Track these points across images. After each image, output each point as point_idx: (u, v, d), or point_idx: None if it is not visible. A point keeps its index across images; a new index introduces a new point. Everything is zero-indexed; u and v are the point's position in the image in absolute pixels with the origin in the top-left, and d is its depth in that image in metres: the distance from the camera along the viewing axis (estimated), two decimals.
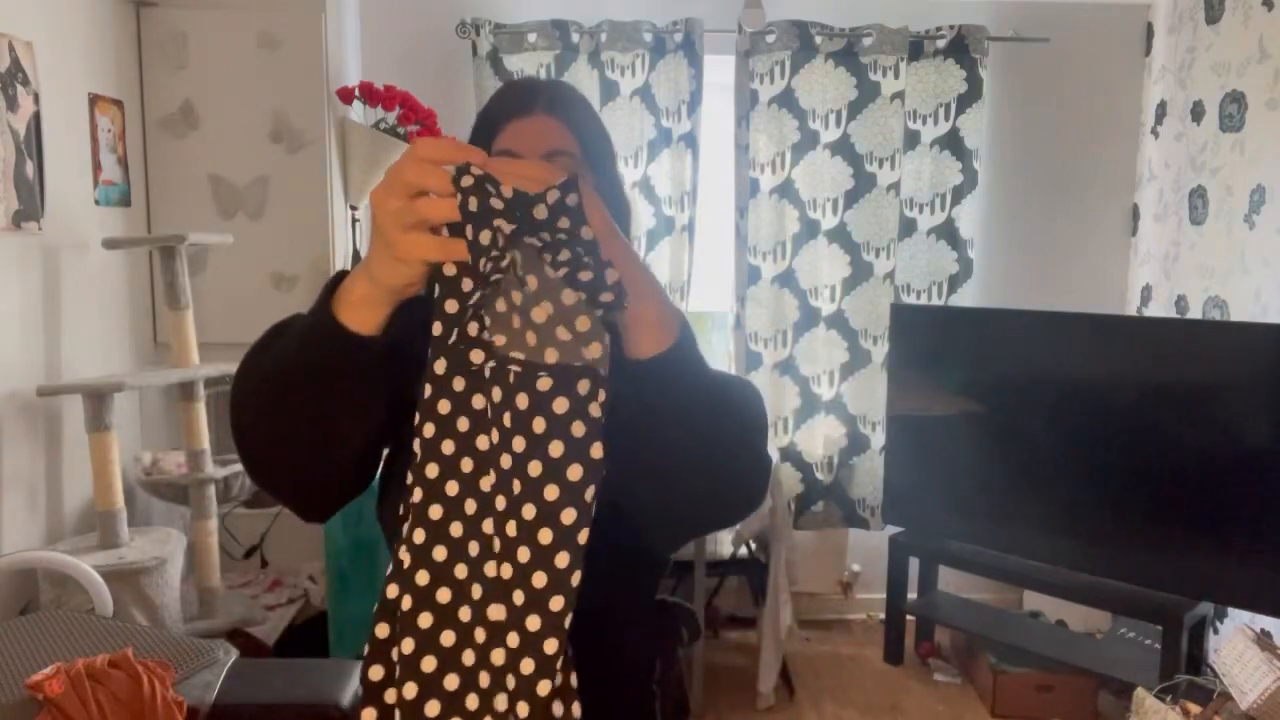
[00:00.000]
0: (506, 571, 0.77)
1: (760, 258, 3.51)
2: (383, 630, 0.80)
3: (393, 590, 0.80)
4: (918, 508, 3.34)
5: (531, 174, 0.77)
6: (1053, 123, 3.58)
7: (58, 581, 2.20)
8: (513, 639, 0.76)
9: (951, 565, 3.34)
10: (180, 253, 2.60)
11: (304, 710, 1.89)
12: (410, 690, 0.78)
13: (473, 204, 0.73)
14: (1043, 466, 3.00)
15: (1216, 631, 3.06)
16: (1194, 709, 2.36)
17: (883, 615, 3.49)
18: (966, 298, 3.53)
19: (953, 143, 3.45)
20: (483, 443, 0.79)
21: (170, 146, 2.97)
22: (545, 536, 0.76)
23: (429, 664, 0.79)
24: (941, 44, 3.41)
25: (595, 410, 0.76)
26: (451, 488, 0.80)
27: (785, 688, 3.13)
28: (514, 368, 0.77)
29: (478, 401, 0.79)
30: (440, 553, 0.80)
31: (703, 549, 2.95)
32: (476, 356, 0.79)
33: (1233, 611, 2.98)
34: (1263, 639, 2.34)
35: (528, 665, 0.75)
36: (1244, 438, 2.59)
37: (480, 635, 0.78)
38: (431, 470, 0.80)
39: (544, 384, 0.76)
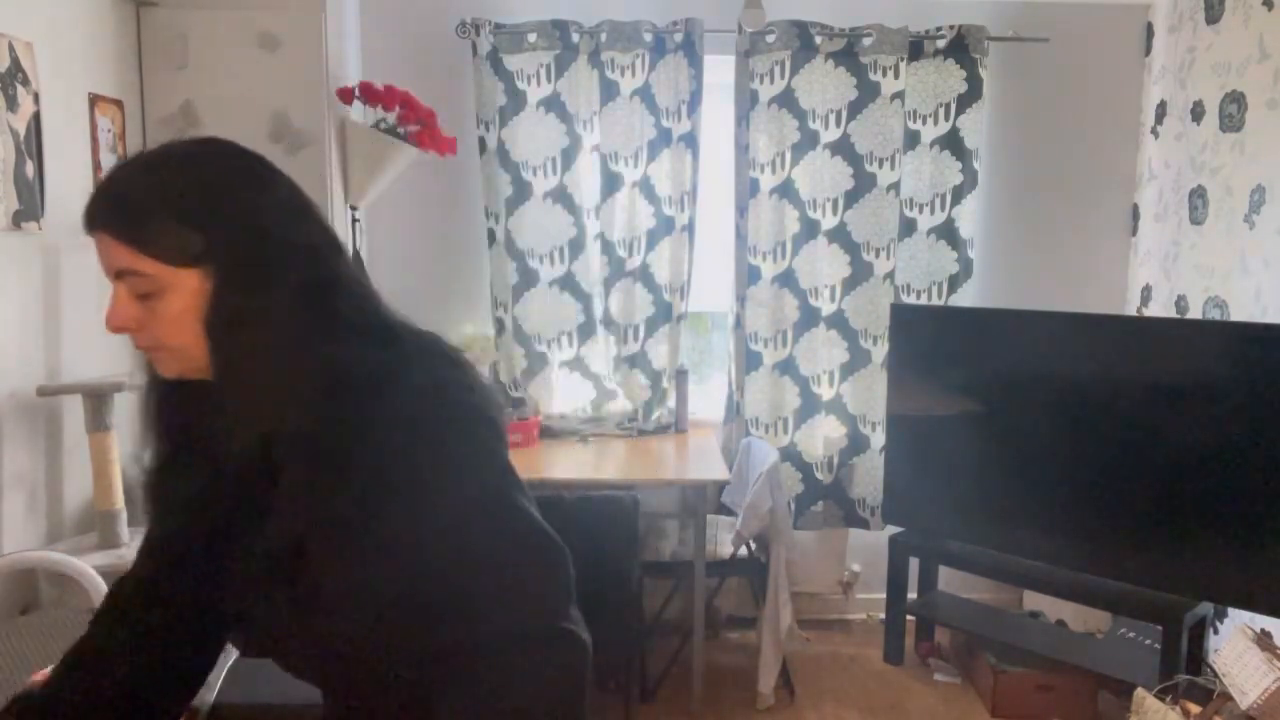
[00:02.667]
0: None
1: (760, 258, 3.51)
2: None
3: None
4: (918, 508, 3.34)
5: None
6: (1053, 123, 3.58)
7: (58, 581, 2.20)
8: None
9: (951, 565, 3.34)
10: None
11: (304, 710, 1.89)
12: None
13: None
14: (1043, 466, 3.00)
15: (1216, 631, 3.06)
16: (1194, 709, 2.36)
17: (883, 615, 3.49)
18: (966, 298, 3.53)
19: (953, 143, 3.45)
20: None
21: None
22: None
23: None
24: (941, 44, 3.41)
25: None
26: None
27: (785, 688, 3.13)
28: None
29: None
30: None
31: (702, 549, 2.96)
32: None
33: (1233, 611, 2.98)
34: (1263, 639, 2.34)
35: None
36: (1244, 438, 2.59)
37: None
38: None
39: None
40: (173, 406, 1.02)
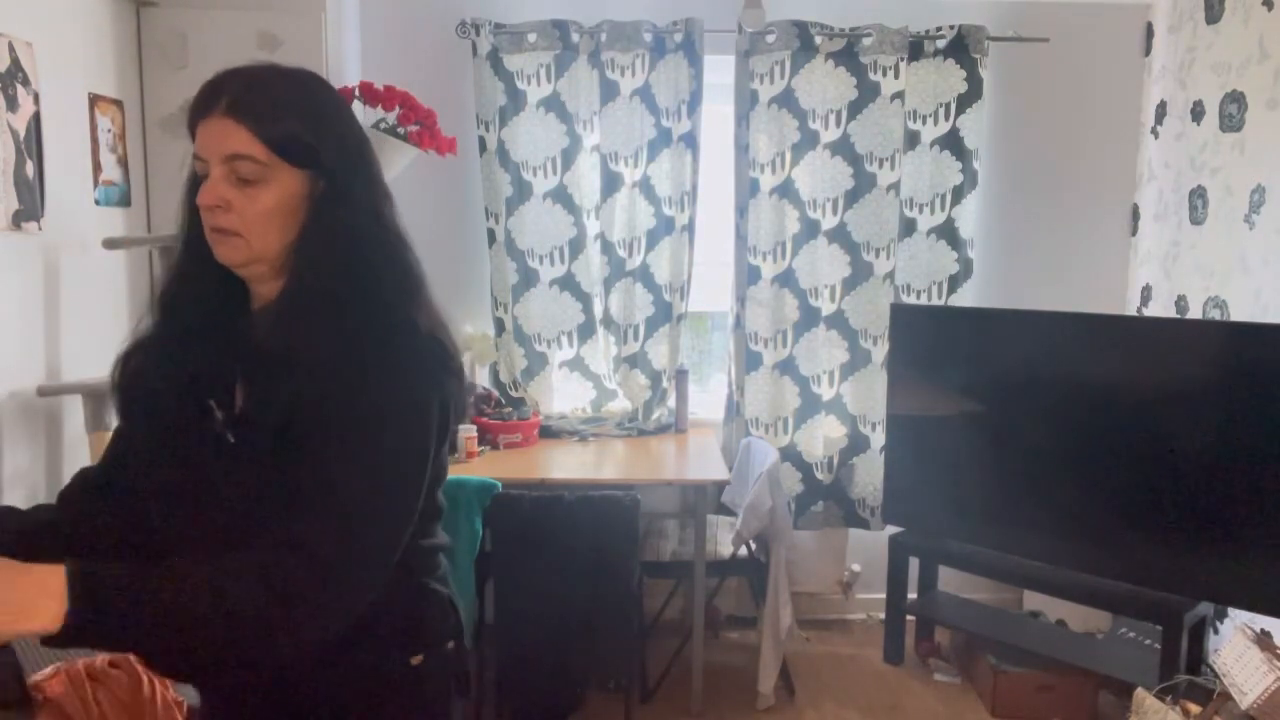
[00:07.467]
0: None
1: (760, 258, 3.51)
2: None
3: None
4: (918, 508, 3.34)
5: None
6: (1053, 123, 3.58)
7: None
8: None
9: (951, 565, 3.34)
10: None
11: None
12: None
13: None
14: (1043, 466, 3.00)
15: (1216, 631, 3.06)
16: (1194, 709, 2.36)
17: (883, 615, 3.49)
18: (966, 298, 3.53)
19: (953, 143, 3.45)
20: None
21: (170, 146, 2.97)
22: None
23: None
24: (941, 44, 3.40)
25: None
26: None
27: (785, 688, 3.13)
28: None
29: None
30: None
31: (702, 549, 2.96)
32: None
33: (1233, 611, 2.98)
34: (1263, 639, 2.34)
35: None
36: (1243, 438, 2.59)
37: None
38: None
39: None
40: (195, 295, 1.11)
